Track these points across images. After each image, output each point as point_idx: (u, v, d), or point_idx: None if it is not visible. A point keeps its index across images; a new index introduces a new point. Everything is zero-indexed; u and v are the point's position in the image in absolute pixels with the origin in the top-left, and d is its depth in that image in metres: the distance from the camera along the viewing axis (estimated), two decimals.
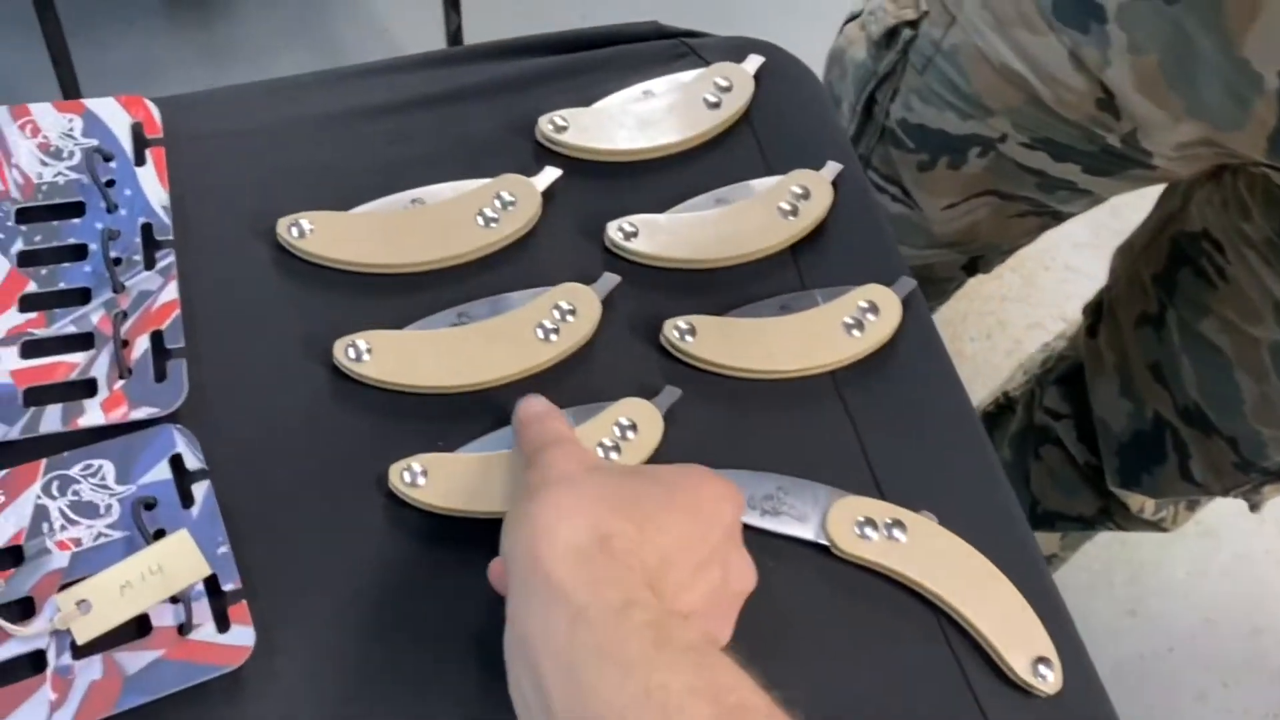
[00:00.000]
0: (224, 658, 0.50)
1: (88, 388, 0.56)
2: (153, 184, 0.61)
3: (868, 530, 0.56)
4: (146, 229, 0.60)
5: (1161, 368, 0.93)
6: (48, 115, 0.63)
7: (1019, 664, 0.54)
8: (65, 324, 0.57)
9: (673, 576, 0.45)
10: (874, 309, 0.62)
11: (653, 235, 0.63)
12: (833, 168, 0.67)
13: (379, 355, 0.58)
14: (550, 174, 0.65)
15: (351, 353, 0.58)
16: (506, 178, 0.64)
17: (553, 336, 0.59)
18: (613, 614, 0.41)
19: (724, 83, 0.68)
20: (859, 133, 0.89)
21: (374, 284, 0.61)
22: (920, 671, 0.55)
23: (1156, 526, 1.13)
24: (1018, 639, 0.55)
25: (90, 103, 0.63)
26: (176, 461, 0.54)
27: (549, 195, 0.64)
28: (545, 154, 0.66)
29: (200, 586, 0.51)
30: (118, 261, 0.59)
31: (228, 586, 0.51)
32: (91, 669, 0.49)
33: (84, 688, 0.48)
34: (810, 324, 0.62)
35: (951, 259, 0.99)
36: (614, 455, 0.57)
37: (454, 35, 1.55)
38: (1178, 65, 0.68)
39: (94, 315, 0.57)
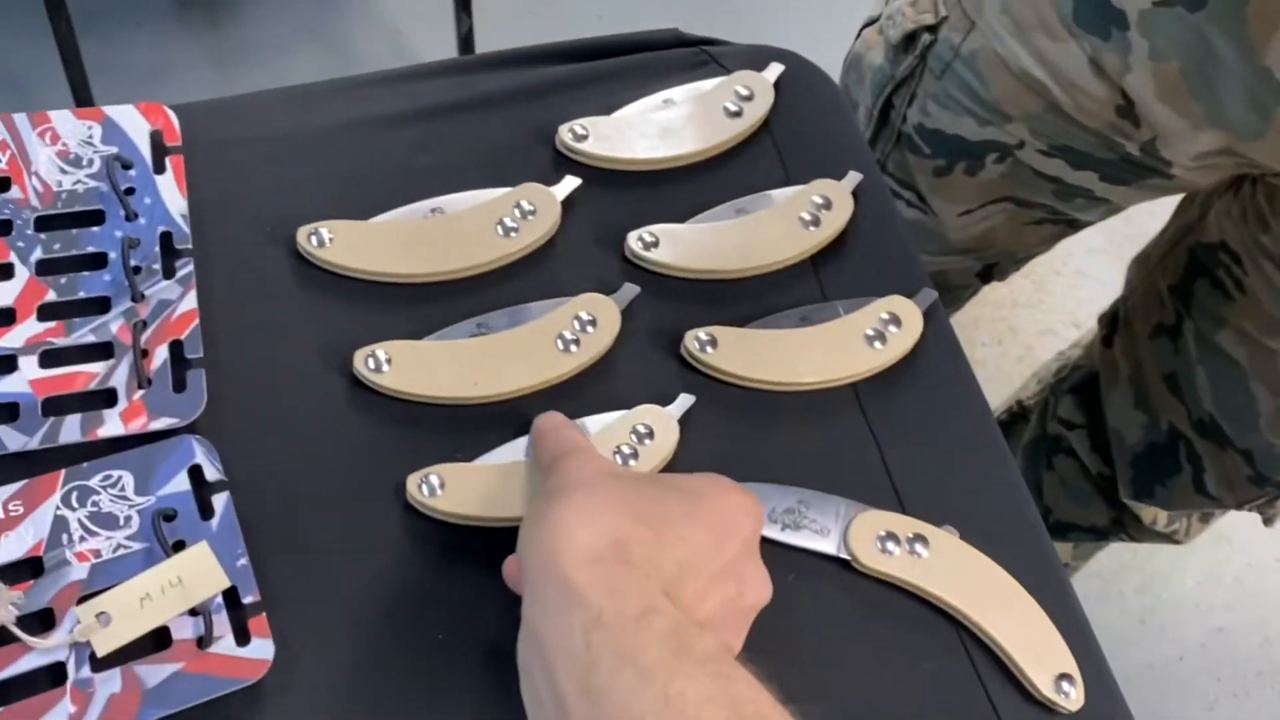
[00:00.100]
0: (244, 671, 0.49)
1: (107, 398, 0.55)
2: (172, 192, 0.61)
3: (889, 545, 0.56)
4: (166, 237, 0.60)
5: (1177, 379, 0.93)
6: (67, 122, 0.63)
7: (1042, 681, 0.54)
8: (84, 333, 0.57)
9: (690, 586, 0.45)
10: (896, 321, 0.62)
11: (673, 245, 0.63)
12: (854, 177, 0.67)
13: (398, 366, 0.58)
14: (570, 183, 0.64)
15: (371, 363, 0.58)
16: (526, 187, 0.63)
17: (573, 347, 0.59)
18: (631, 620, 0.41)
19: (744, 91, 0.68)
20: (875, 137, 0.88)
21: (394, 294, 0.61)
22: (941, 687, 0.55)
23: (1169, 539, 1.12)
24: (1041, 656, 0.54)
25: (110, 110, 0.63)
26: (196, 472, 0.54)
27: (569, 204, 0.64)
28: (565, 163, 0.66)
29: (220, 599, 0.51)
30: (137, 270, 0.59)
31: (247, 599, 0.51)
32: (111, 682, 0.49)
33: (103, 700, 0.48)
34: (831, 336, 0.61)
35: (966, 265, 0.99)
36: (631, 463, 0.56)
37: (465, 37, 1.55)
38: (1199, 73, 0.68)
39: (113, 324, 0.57)
